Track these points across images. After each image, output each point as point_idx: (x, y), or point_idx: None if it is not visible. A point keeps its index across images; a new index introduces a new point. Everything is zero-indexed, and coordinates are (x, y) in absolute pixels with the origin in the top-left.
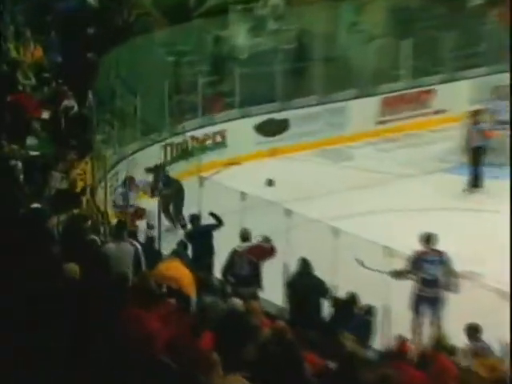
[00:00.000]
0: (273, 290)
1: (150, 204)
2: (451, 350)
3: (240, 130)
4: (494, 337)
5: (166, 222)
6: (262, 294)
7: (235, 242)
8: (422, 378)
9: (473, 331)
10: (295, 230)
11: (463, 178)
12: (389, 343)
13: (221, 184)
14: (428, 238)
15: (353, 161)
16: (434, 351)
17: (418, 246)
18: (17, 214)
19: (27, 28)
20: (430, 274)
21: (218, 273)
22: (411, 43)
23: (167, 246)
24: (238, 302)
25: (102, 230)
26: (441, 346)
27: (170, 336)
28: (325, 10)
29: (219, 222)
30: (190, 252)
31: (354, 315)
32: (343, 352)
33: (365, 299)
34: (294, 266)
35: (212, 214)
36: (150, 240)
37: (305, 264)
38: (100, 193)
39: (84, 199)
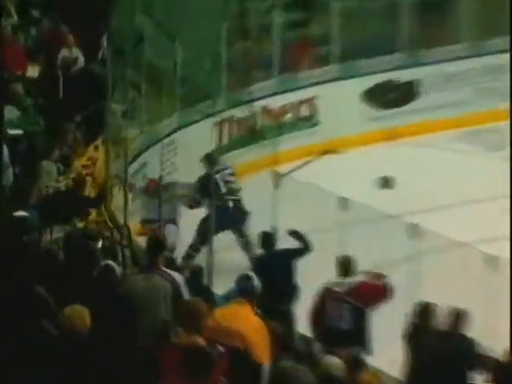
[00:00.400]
0: (386, 354)
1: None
2: None
3: (339, 99)
4: None
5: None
6: (369, 360)
7: (329, 277)
8: None
9: None
10: (426, 258)
11: None
12: None
13: (308, 184)
14: None
15: None
16: None
17: None
18: None
19: None
20: None
21: (300, 323)
22: None
23: (221, 281)
24: (336, 364)
25: (120, 253)
26: None
27: None
28: None
29: (305, 246)
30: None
31: None
32: None
33: None
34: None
35: (294, 233)
36: (196, 271)
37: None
38: (118, 196)
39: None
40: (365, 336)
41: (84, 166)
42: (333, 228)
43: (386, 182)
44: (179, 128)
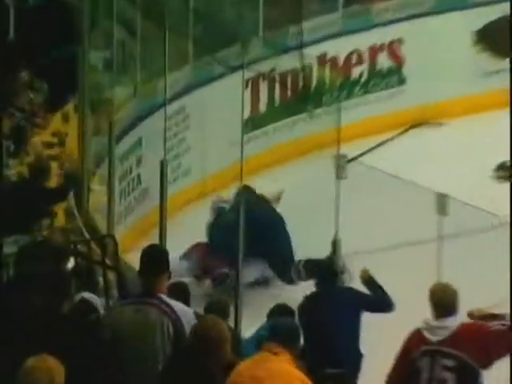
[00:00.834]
0: None
1: None
2: None
3: (436, 43)
4: None
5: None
6: None
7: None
8: None
9: None
10: None
11: None
12: None
13: (387, 175)
14: None
15: None
16: None
17: None
18: None
19: None
20: None
21: None
22: None
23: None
24: None
25: (101, 278)
26: None
27: None
28: None
29: (387, 300)
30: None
31: None
32: None
33: None
34: None
35: (369, 281)
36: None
37: None
38: (99, 193)
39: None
40: None
41: (47, 145)
42: (427, 239)
43: (506, 171)
44: (192, 87)
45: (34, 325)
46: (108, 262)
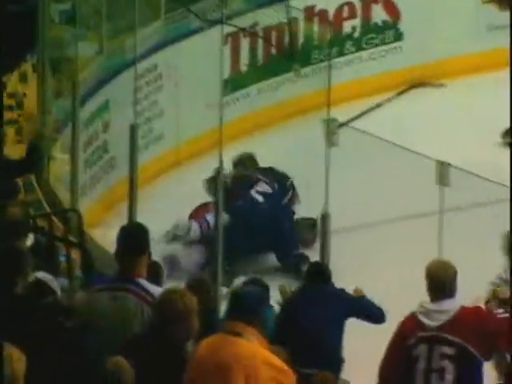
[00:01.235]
0: None
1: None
2: None
3: None
4: None
5: None
6: None
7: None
8: None
9: None
10: None
11: None
12: None
13: (382, 141)
14: None
15: None
16: None
17: None
18: None
19: None
20: None
21: None
22: None
23: None
24: None
25: (63, 257)
26: None
27: None
28: None
29: (377, 312)
30: None
31: None
32: None
33: None
34: None
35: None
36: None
37: None
38: (61, 162)
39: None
40: None
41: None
42: (429, 212)
43: None
44: (165, 44)
45: None
46: (71, 238)
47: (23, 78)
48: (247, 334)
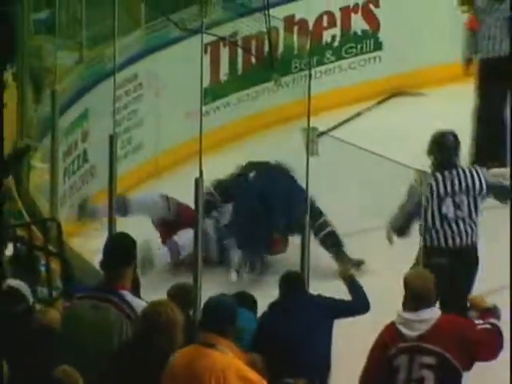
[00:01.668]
0: None
1: None
2: None
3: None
4: None
5: None
6: None
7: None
8: None
9: None
10: None
11: None
12: None
13: (360, 151)
14: None
15: None
16: None
17: None
18: None
19: None
20: None
21: None
22: None
23: None
24: None
25: (42, 267)
26: None
27: None
28: None
29: (361, 300)
30: None
31: None
32: None
33: None
34: None
35: (346, 277)
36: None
37: None
38: (41, 170)
39: None
40: None
41: None
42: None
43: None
44: (144, 53)
45: None
46: (51, 247)
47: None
48: (221, 346)
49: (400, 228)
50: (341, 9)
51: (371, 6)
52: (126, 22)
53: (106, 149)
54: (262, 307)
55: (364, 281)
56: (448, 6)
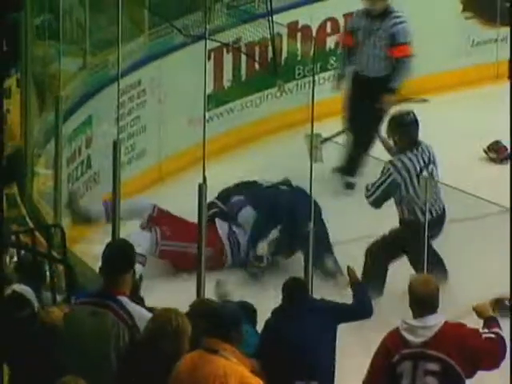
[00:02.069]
0: None
1: None
2: None
3: (420, 6)
4: None
5: None
6: None
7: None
8: None
9: None
10: None
11: None
12: None
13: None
14: None
15: None
16: None
17: None
18: None
19: None
20: None
21: None
22: None
23: None
24: None
25: (47, 273)
26: None
27: None
28: None
29: (365, 304)
30: None
31: None
32: None
33: None
34: None
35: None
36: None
37: None
38: (45, 177)
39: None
40: None
41: None
42: None
43: (498, 153)
44: (148, 59)
45: None
46: (55, 253)
47: (7, 94)
48: (225, 352)
49: (376, 198)
50: (344, 15)
51: None
52: (129, 28)
53: (110, 155)
54: (264, 308)
55: None
56: (451, 12)
